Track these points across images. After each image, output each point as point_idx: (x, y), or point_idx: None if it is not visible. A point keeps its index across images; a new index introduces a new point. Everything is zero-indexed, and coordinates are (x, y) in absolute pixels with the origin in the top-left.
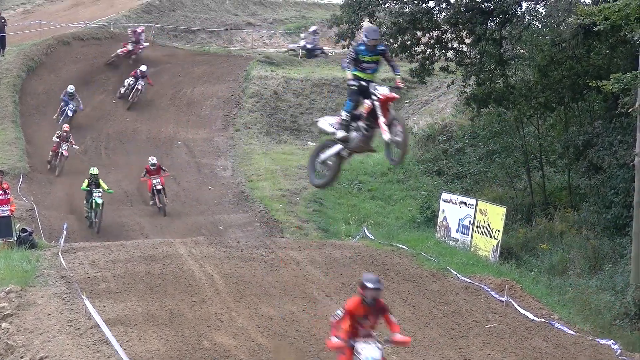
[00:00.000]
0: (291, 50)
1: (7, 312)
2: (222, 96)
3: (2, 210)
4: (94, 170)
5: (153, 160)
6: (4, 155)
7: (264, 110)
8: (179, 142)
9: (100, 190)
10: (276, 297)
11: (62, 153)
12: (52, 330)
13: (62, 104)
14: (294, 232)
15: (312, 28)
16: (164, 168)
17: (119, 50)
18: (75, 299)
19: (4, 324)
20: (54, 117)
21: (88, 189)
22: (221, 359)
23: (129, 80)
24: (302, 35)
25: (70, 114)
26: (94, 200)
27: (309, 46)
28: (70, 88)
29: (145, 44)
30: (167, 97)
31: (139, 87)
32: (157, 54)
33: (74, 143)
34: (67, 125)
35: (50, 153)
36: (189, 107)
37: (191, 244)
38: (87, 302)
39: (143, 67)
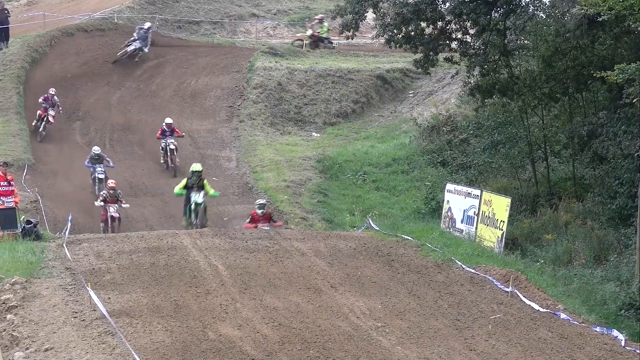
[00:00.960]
0: (298, 40)
1: (12, 304)
2: (226, 87)
3: (7, 202)
4: (196, 167)
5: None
6: (8, 147)
7: (268, 101)
8: (183, 134)
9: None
10: (281, 288)
11: (111, 216)
12: (57, 321)
13: (90, 169)
14: (299, 223)
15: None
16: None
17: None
18: (80, 291)
19: (9, 316)
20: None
21: (184, 192)
22: (226, 350)
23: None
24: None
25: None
26: (194, 201)
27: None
28: (51, 91)
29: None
30: (171, 88)
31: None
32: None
33: (123, 202)
34: (113, 181)
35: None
36: (193, 99)
37: (196, 235)
38: (92, 293)
39: (52, 90)
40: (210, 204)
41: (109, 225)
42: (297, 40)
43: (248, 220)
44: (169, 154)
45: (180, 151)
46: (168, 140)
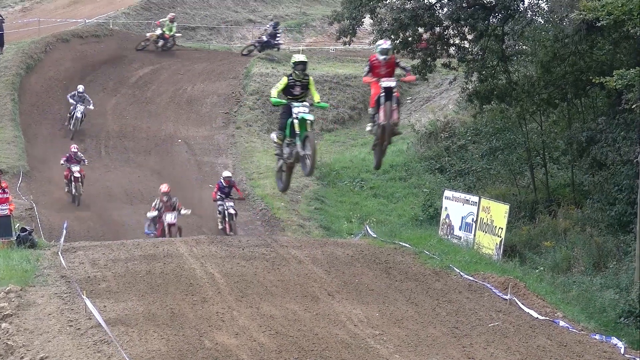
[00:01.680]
0: (145, 40)
1: (6, 312)
2: (222, 93)
3: (1, 209)
4: (299, 57)
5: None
6: (3, 154)
7: (265, 107)
8: (179, 140)
9: (233, 199)
10: (278, 296)
11: (169, 224)
12: (52, 330)
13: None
14: (296, 231)
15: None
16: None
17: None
18: (75, 299)
19: (3, 324)
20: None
21: (284, 102)
22: (223, 358)
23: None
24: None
25: (79, 115)
26: (299, 115)
27: (265, 39)
28: (80, 88)
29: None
30: (167, 94)
31: (79, 113)
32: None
33: (182, 209)
34: (166, 185)
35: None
36: (189, 105)
37: (192, 243)
38: (87, 301)
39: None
40: (206, 212)
41: (167, 232)
42: (144, 40)
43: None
44: (227, 219)
45: (176, 158)
46: (227, 204)
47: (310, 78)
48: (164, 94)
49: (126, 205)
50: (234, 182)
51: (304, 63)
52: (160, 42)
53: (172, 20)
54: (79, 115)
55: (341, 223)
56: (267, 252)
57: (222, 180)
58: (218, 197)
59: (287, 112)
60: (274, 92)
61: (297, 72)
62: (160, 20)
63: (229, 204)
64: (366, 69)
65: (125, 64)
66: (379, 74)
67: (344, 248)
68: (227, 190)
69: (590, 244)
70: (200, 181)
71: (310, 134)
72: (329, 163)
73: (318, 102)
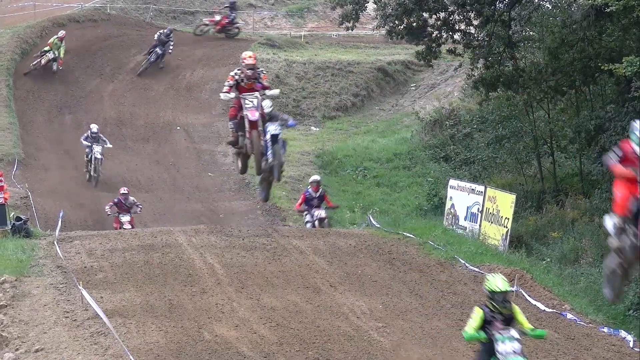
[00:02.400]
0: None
1: (1, 303)
2: (222, 80)
3: None
4: (316, 178)
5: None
6: None
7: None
8: (178, 128)
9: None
10: (279, 287)
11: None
12: (47, 321)
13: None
14: (297, 220)
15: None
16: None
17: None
18: (71, 290)
19: None
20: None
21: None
22: (222, 350)
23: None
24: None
25: (98, 156)
26: (315, 220)
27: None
28: (94, 128)
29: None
30: (166, 81)
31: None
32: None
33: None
34: (94, 125)
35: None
36: (188, 92)
37: (191, 233)
38: (84, 292)
39: (94, 127)
40: (205, 201)
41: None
42: (35, 64)
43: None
44: (317, 225)
45: (175, 146)
46: (315, 212)
47: (516, 308)
48: (162, 80)
49: None
50: (324, 191)
51: (504, 293)
52: (54, 67)
53: (61, 40)
54: (98, 156)
55: (344, 213)
56: (268, 243)
57: (309, 189)
58: (304, 209)
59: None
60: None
61: (495, 304)
62: (51, 39)
63: (319, 211)
64: None
65: (123, 49)
66: None
67: (347, 238)
68: (316, 202)
69: (598, 234)
70: (199, 169)
71: None
72: (332, 151)
73: (532, 330)
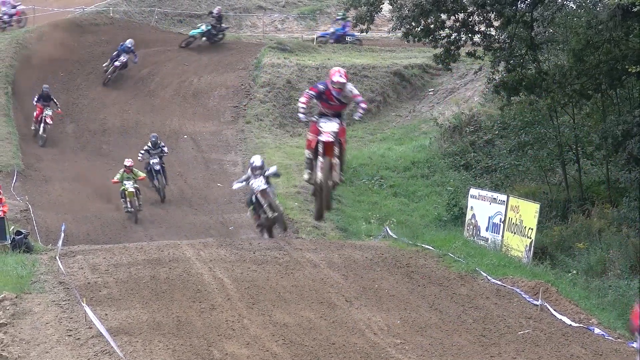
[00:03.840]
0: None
1: (1, 322)
2: (231, 86)
3: None
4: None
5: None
6: None
7: (277, 100)
8: (185, 136)
9: None
10: (292, 303)
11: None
12: (50, 340)
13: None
14: (310, 232)
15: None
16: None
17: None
18: (74, 307)
19: None
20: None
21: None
22: None
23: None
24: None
25: (118, 63)
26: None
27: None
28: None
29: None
30: (172, 87)
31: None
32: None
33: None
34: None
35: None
36: (195, 98)
37: (199, 246)
38: (87, 309)
39: (45, 87)
40: (214, 213)
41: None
42: None
43: None
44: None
45: (182, 155)
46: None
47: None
48: (168, 86)
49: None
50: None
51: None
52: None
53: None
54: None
55: (359, 224)
56: (280, 256)
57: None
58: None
59: None
60: None
61: None
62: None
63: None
64: None
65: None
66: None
67: (363, 251)
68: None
69: (627, 245)
70: (207, 179)
71: None
72: (346, 160)
73: None
